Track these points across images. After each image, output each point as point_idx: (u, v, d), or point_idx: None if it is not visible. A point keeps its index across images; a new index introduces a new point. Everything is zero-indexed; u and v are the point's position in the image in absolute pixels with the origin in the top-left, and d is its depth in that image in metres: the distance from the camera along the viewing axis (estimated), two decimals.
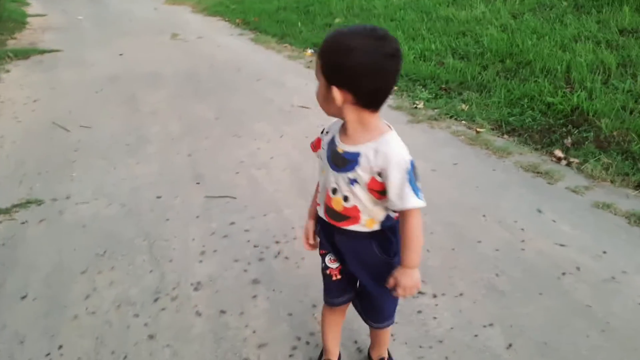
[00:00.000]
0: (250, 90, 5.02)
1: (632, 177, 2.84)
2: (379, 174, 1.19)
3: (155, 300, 2.07)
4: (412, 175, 1.17)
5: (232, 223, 2.61)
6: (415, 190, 1.18)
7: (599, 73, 3.94)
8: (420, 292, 2.03)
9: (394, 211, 1.28)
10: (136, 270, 2.25)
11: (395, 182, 1.17)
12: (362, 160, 1.20)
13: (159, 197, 2.89)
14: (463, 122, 3.84)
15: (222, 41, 7.57)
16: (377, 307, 1.50)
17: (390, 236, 1.32)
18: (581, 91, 3.76)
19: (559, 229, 2.43)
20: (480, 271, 2.15)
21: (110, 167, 3.30)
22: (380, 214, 1.28)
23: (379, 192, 1.22)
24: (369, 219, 1.28)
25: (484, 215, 2.57)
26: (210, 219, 2.65)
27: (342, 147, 1.25)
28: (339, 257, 1.42)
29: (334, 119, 1.33)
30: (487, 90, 4.25)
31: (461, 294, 2.02)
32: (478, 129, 3.61)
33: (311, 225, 1.48)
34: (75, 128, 4.01)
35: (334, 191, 1.29)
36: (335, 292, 1.51)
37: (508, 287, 2.05)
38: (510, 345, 1.77)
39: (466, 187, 2.86)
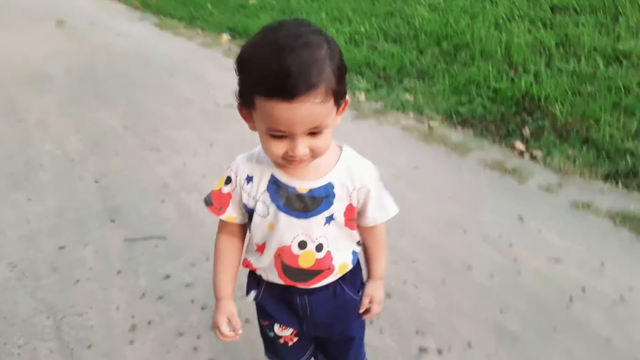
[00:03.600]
0: (163, 88, 4.30)
1: (599, 167, 2.69)
2: (357, 197, 0.99)
3: None
4: (379, 180, 1.03)
5: (167, 276, 2.04)
6: (388, 194, 1.04)
7: (540, 54, 3.81)
8: (422, 349, 1.66)
9: (360, 227, 1.07)
10: None
11: (374, 195, 1.00)
12: (337, 190, 0.97)
13: (61, 248, 2.22)
14: (411, 114, 3.52)
15: (121, 28, 6.55)
16: (352, 354, 1.22)
17: (359, 271, 1.14)
18: (526, 74, 3.60)
19: (548, 240, 2.18)
20: (483, 309, 1.83)
21: None
22: (349, 250, 1.07)
23: (353, 219, 1.02)
24: (343, 264, 1.05)
25: (465, 231, 2.26)
26: (137, 274, 2.06)
27: (304, 185, 0.96)
28: (295, 321, 1.12)
29: (243, 156, 1.02)
30: (429, 77, 3.96)
31: (469, 345, 1.68)
32: (430, 124, 3.31)
33: (232, 307, 1.07)
34: None
35: (302, 245, 0.99)
36: (292, 357, 1.22)
37: (518, 327, 1.74)
38: None
39: (437, 197, 2.53)
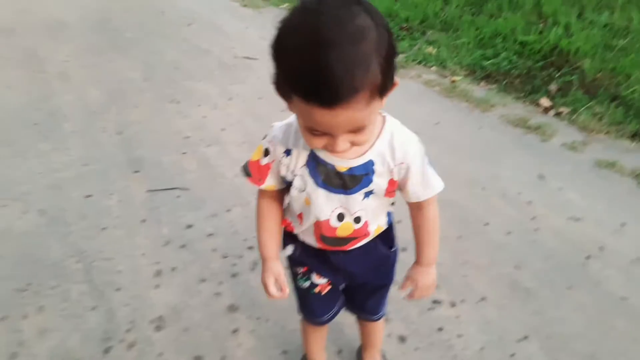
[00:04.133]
0: (181, 38, 4.25)
1: (626, 126, 2.62)
2: (398, 172, 0.96)
3: (106, 351, 1.59)
4: (425, 155, 0.98)
5: (189, 226, 2.10)
6: (434, 170, 0.99)
7: (572, 5, 3.63)
8: (435, 301, 1.71)
9: (408, 204, 1.05)
10: (74, 309, 1.73)
11: (418, 171, 0.96)
12: (377, 167, 0.94)
13: (88, 197, 2.29)
14: (434, 68, 3.43)
15: None
16: (377, 298, 1.26)
17: (392, 228, 1.14)
18: (556, 27, 3.44)
19: (568, 199, 2.17)
20: (497, 264, 1.85)
21: (17, 157, 2.60)
22: (384, 215, 1.07)
23: (394, 190, 1.00)
24: (377, 227, 1.06)
25: (483, 188, 2.25)
26: (160, 223, 2.13)
27: (343, 164, 0.93)
28: (330, 273, 1.15)
29: (281, 126, 0.97)
30: (453, 29, 3.83)
31: (483, 299, 1.72)
32: (453, 78, 3.23)
33: (279, 267, 1.08)
34: None
35: (340, 217, 0.99)
36: (325, 309, 1.26)
37: (533, 283, 1.77)
38: None
39: (456, 153, 2.51)
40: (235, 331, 1.64)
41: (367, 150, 0.92)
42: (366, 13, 0.70)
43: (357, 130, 0.78)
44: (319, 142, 0.81)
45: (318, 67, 0.66)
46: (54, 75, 3.58)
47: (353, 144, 0.81)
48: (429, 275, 1.11)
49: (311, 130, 0.79)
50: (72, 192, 2.32)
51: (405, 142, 0.94)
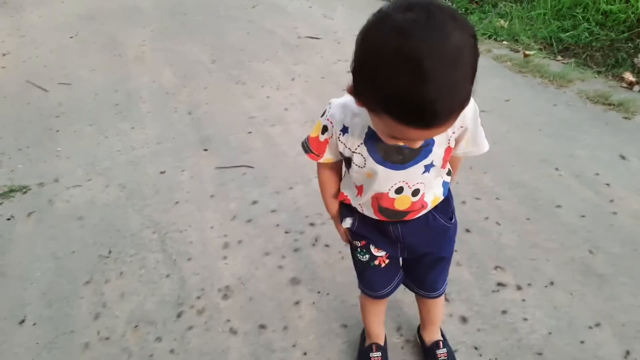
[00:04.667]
0: (246, 20, 4.34)
1: None
2: (455, 137, 0.96)
3: (179, 315, 1.71)
4: (478, 116, 0.97)
5: (255, 202, 2.18)
6: (482, 130, 0.99)
7: None
8: (499, 284, 1.66)
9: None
10: (150, 276, 1.88)
11: (472, 131, 0.97)
12: (437, 136, 0.92)
13: (162, 173, 2.44)
14: (505, 42, 3.25)
15: None
16: (436, 273, 1.26)
17: (450, 200, 1.14)
18: None
19: None
20: (570, 248, 1.76)
21: (100, 135, 2.82)
22: (440, 185, 1.07)
23: (449, 158, 1.02)
24: (434, 198, 1.07)
25: (556, 169, 2.13)
26: (228, 198, 2.23)
27: None
28: (389, 245, 1.17)
29: (338, 104, 0.97)
30: (528, 1, 3.59)
31: (552, 283, 1.65)
32: (526, 52, 3.04)
33: (342, 228, 1.21)
34: (53, 86, 3.46)
35: (399, 191, 1.01)
36: (384, 282, 1.28)
37: (608, 269, 1.67)
38: (628, 353, 1.42)
39: (527, 131, 2.38)
40: (297, 303, 1.70)
41: None
42: (459, 29, 0.66)
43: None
44: (396, 141, 0.82)
45: (419, 98, 0.65)
46: (131, 58, 3.80)
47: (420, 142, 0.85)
48: None
49: (393, 137, 0.78)
50: (148, 168, 2.48)
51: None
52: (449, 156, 1.00)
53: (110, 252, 2.00)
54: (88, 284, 1.87)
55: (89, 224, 2.16)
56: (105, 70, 3.63)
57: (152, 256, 1.96)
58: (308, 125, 2.67)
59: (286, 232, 2.00)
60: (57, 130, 2.92)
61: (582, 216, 1.88)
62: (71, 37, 4.35)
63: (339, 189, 1.15)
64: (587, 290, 1.61)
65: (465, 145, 0.99)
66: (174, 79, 3.39)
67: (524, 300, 1.60)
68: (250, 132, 2.70)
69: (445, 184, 1.09)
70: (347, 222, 1.16)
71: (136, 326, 1.69)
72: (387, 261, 1.21)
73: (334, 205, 1.18)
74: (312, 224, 2.02)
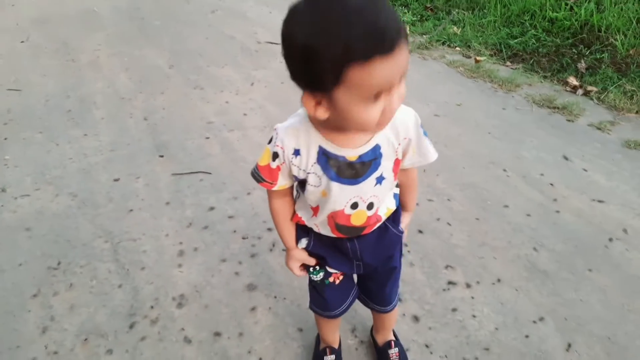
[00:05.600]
0: (206, 25, 4.31)
1: None
2: (402, 149, 0.99)
3: (131, 326, 1.67)
4: (421, 126, 1.00)
5: (212, 208, 2.17)
6: (429, 141, 1.02)
7: None
8: (450, 282, 1.71)
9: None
10: (102, 286, 1.83)
11: (415, 142, 1.00)
12: (384, 150, 0.96)
13: (116, 180, 2.39)
14: (458, 48, 3.36)
15: None
16: (390, 285, 1.28)
17: (399, 209, 1.16)
18: (587, 2, 3.30)
19: (593, 180, 2.11)
20: (515, 246, 1.84)
21: (50, 143, 2.73)
22: (391, 196, 1.11)
23: (398, 170, 1.04)
24: (387, 210, 1.10)
25: (504, 170, 2.22)
26: (184, 205, 2.20)
27: (353, 153, 0.94)
28: (345, 263, 1.18)
29: (286, 127, 0.96)
30: (479, 8, 3.73)
31: (499, 280, 1.71)
32: (477, 57, 3.15)
33: (301, 253, 1.18)
34: (2, 92, 3.32)
35: (354, 206, 1.02)
36: (339, 300, 1.28)
37: (551, 266, 1.75)
38: (569, 345, 1.49)
39: (478, 134, 2.47)
40: (253, 309, 1.70)
41: (373, 135, 0.95)
42: None
43: (403, 75, 0.80)
44: (376, 109, 0.80)
45: (368, 25, 0.70)
46: (85, 63, 3.70)
47: (399, 100, 0.83)
48: (410, 218, 1.25)
49: (369, 96, 0.77)
50: (101, 176, 2.42)
51: (405, 118, 0.97)
52: (398, 168, 1.02)
53: (59, 263, 1.94)
54: (35, 297, 1.80)
55: (37, 235, 2.09)
56: (57, 76, 3.51)
57: (104, 266, 1.91)
58: (267, 131, 2.67)
59: (243, 238, 1.99)
60: (5, 138, 2.80)
61: (528, 215, 1.97)
62: (22, 42, 4.19)
63: (294, 212, 1.13)
64: (531, 286, 1.68)
65: (412, 155, 1.02)
66: (129, 84, 3.32)
67: (472, 297, 1.66)
68: (208, 138, 2.68)
69: (395, 195, 1.12)
70: (303, 243, 1.16)
71: (86, 339, 1.64)
72: (341, 277, 1.22)
73: (291, 231, 1.15)
74: (269, 229, 2.02)
